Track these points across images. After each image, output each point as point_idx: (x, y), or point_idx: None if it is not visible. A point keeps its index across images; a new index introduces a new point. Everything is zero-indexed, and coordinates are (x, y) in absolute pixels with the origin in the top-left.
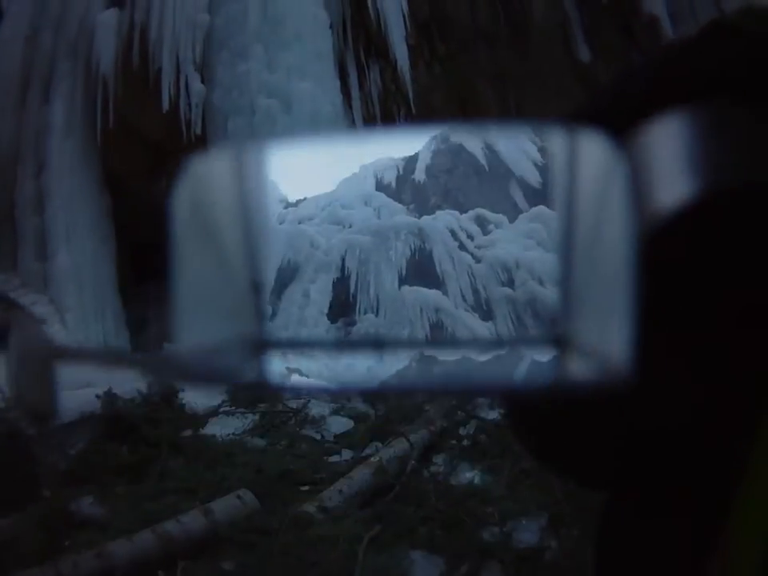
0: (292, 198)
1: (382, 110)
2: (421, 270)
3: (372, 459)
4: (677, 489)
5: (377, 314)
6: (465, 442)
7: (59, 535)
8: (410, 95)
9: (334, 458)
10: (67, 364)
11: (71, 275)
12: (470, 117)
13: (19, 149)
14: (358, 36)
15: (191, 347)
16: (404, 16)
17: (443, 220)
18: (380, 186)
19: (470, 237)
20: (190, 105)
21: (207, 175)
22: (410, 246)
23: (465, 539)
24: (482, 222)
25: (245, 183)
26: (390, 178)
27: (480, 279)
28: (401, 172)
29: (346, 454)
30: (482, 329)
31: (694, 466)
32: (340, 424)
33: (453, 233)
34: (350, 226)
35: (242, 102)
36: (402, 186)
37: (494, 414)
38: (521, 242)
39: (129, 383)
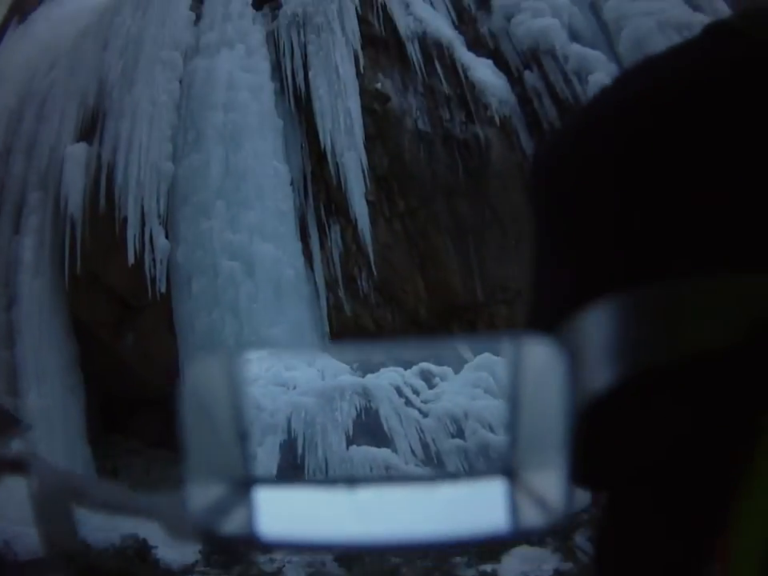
0: None
1: (343, 271)
2: (368, 429)
3: None
4: (677, 490)
5: (326, 475)
6: None
7: None
8: (371, 255)
9: None
10: (84, 505)
11: (42, 418)
12: (431, 276)
13: None
14: (319, 192)
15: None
16: (363, 171)
17: (388, 377)
18: None
19: (416, 392)
20: (154, 260)
21: (206, 372)
22: (356, 405)
23: None
24: (426, 376)
25: (234, 381)
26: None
27: (429, 433)
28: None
29: None
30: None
31: (695, 468)
32: None
33: (398, 389)
34: (295, 388)
35: (205, 261)
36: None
37: (472, 572)
38: (468, 392)
39: (102, 532)
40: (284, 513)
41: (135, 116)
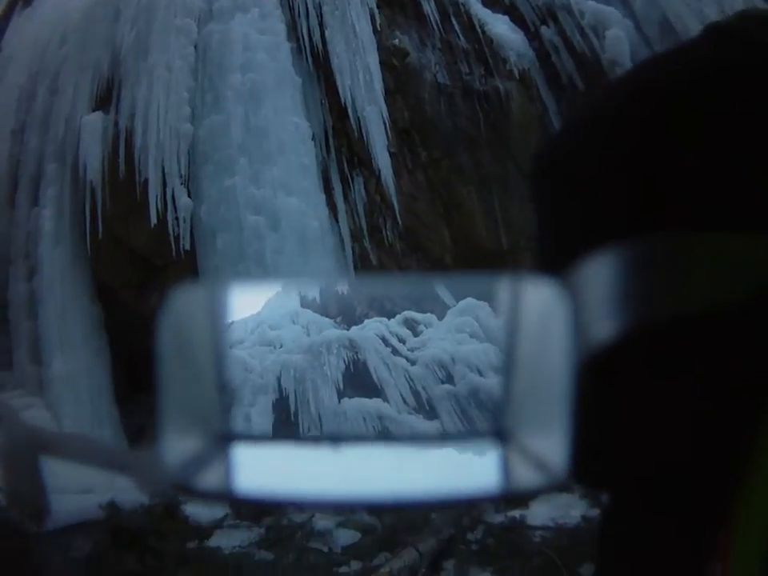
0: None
1: (368, 222)
2: (358, 380)
3: (382, 570)
4: (677, 490)
5: (320, 430)
6: (473, 547)
7: None
8: (395, 205)
9: (344, 570)
10: (54, 457)
11: (67, 383)
12: (455, 224)
13: (10, 248)
14: (341, 146)
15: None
16: (385, 123)
17: (372, 328)
18: (305, 303)
19: (402, 341)
20: (177, 219)
21: (186, 307)
22: (344, 358)
23: None
24: (411, 325)
25: (214, 317)
26: (314, 292)
27: (418, 380)
28: (323, 285)
29: (355, 565)
30: (430, 429)
31: (695, 468)
32: (347, 536)
33: (384, 339)
34: (281, 346)
35: (229, 217)
36: (327, 299)
37: (500, 518)
38: (453, 337)
39: (130, 492)
40: (263, 470)
41: (151, 82)
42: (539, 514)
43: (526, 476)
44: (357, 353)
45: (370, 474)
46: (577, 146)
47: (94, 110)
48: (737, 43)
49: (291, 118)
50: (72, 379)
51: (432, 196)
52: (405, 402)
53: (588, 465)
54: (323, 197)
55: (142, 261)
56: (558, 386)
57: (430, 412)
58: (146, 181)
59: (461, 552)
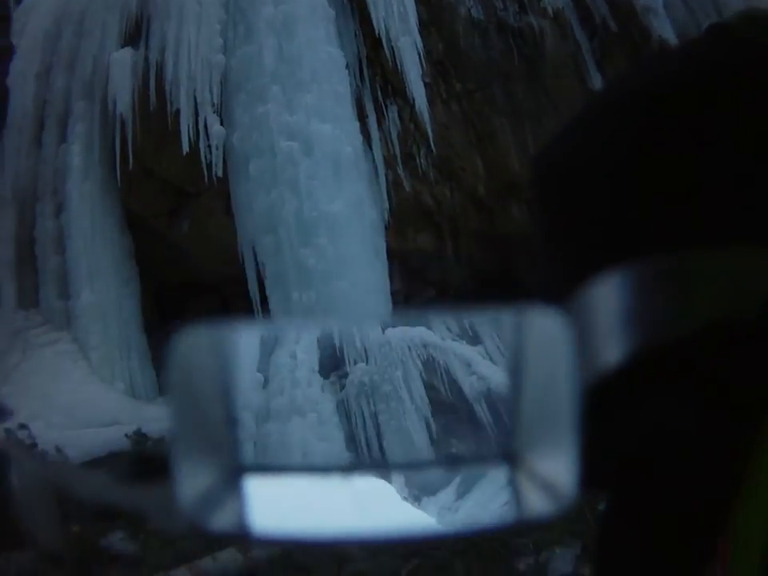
0: None
1: (402, 150)
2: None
3: None
4: (677, 490)
5: (367, 362)
6: None
7: (89, 570)
8: (429, 134)
9: None
10: (67, 492)
11: (95, 314)
12: (489, 155)
13: (36, 187)
14: (375, 75)
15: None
16: (419, 54)
17: None
18: None
19: None
20: (210, 147)
21: (194, 346)
22: None
23: (501, 570)
24: None
25: (225, 357)
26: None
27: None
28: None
29: None
30: (473, 354)
31: (694, 471)
32: None
33: None
34: None
35: (262, 144)
36: None
37: None
38: None
39: (156, 422)
40: (277, 505)
41: (181, 17)
42: None
43: (537, 501)
44: None
45: (379, 505)
46: (573, 151)
47: (123, 47)
48: (738, 44)
49: (325, 48)
50: (100, 310)
51: (465, 126)
52: (448, 328)
53: (586, 466)
54: (357, 124)
55: (173, 189)
56: (566, 409)
57: (474, 337)
58: (178, 111)
59: None
